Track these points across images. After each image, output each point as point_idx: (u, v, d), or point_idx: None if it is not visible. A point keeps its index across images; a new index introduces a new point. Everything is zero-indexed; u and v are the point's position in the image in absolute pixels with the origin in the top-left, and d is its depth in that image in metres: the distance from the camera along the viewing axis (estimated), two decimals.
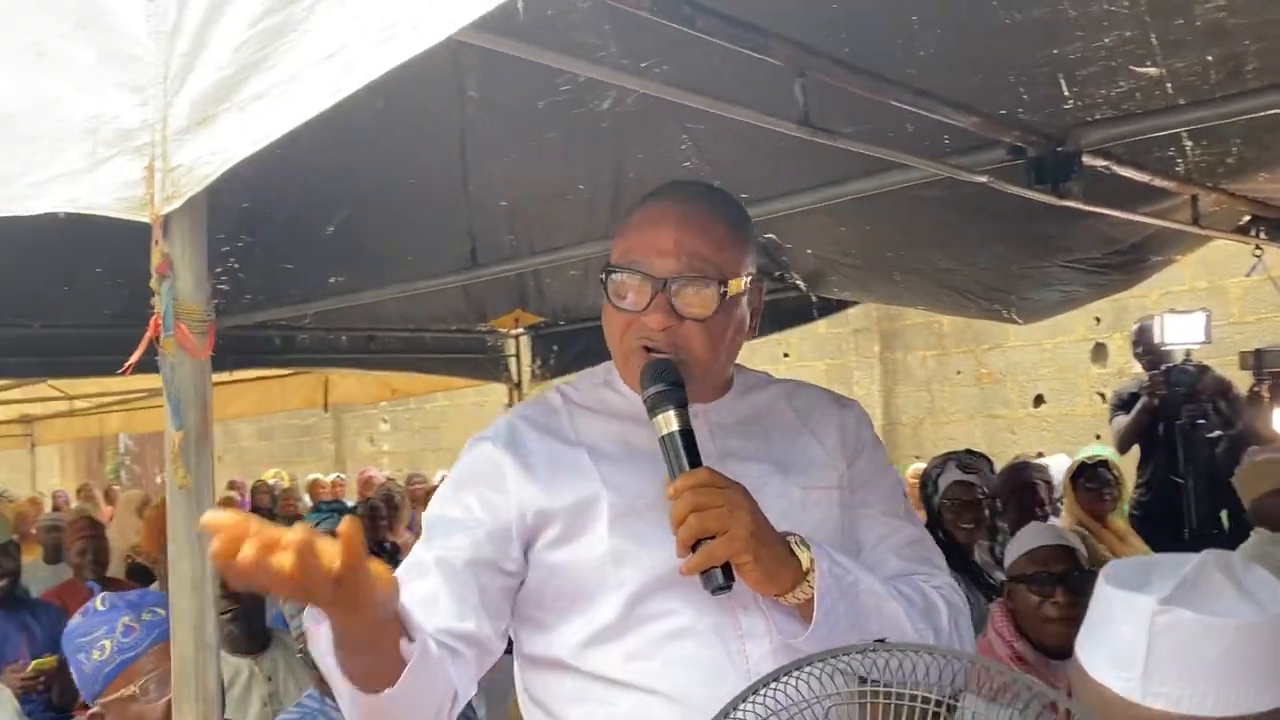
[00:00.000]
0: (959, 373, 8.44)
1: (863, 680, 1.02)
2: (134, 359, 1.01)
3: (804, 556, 1.36)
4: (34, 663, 3.92)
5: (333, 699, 2.40)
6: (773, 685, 1.03)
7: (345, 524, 0.97)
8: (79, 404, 9.00)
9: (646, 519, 1.42)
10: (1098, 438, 7.33)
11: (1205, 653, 0.99)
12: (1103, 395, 7.65)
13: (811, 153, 3.32)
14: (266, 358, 5.55)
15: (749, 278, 1.51)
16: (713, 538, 1.31)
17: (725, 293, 1.45)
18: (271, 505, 8.66)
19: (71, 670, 2.11)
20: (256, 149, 0.92)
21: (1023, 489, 4.21)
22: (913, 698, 0.91)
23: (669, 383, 1.40)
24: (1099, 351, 7.90)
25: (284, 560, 0.92)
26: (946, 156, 2.72)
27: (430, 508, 1.50)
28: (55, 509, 9.32)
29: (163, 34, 0.92)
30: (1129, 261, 4.17)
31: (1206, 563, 1.07)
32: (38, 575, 5.89)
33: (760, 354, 9.79)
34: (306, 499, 9.08)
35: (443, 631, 1.34)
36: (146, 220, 0.97)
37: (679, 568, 1.34)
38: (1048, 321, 6.47)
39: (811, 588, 1.34)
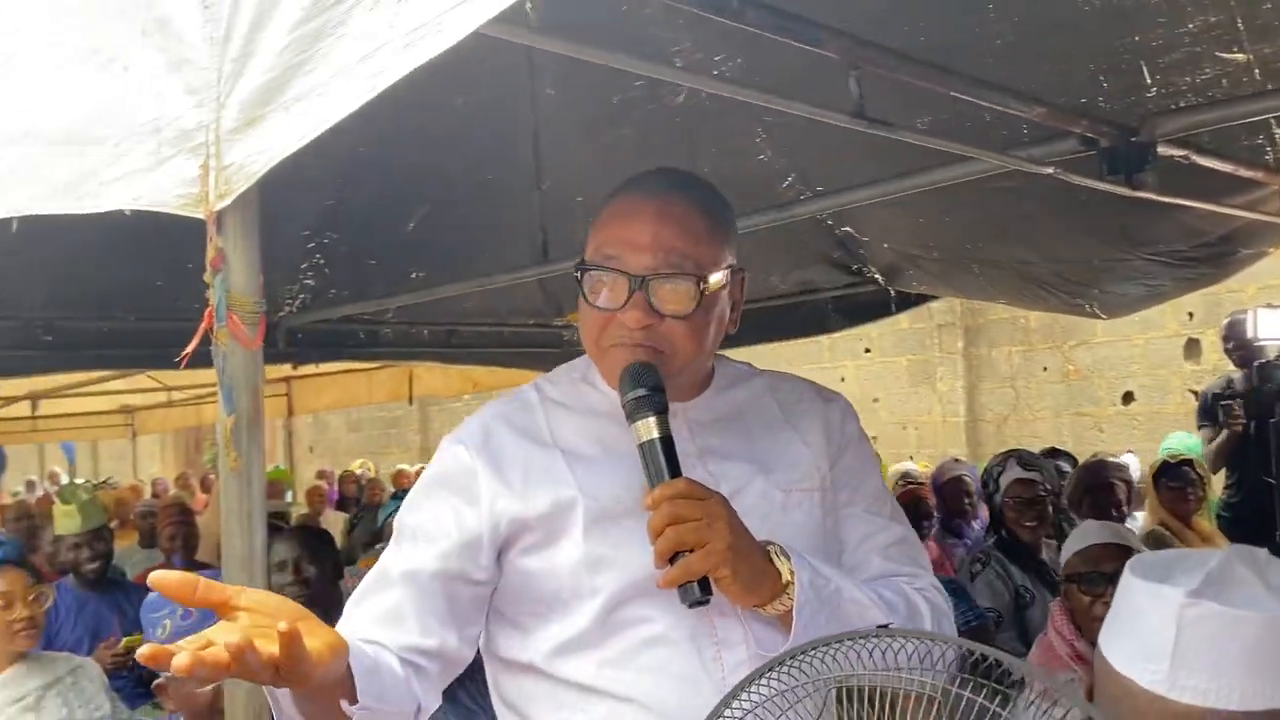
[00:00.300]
0: (1045, 369, 8.26)
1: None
2: (189, 349, 1.06)
3: (784, 568, 1.33)
4: (124, 640, 4.10)
5: None
6: (754, 684, 1.03)
7: (284, 628, 0.95)
8: (176, 395, 9.34)
9: (623, 524, 1.38)
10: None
11: (1233, 646, 0.98)
12: (1195, 393, 7.42)
13: (885, 144, 3.30)
14: (351, 351, 5.68)
15: (728, 270, 1.47)
16: (690, 551, 1.28)
17: (704, 289, 1.41)
18: (358, 494, 8.88)
19: (159, 627, 2.20)
20: (299, 147, 0.96)
21: (1099, 488, 4.11)
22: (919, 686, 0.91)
23: (649, 387, 1.36)
24: (1192, 347, 7.65)
25: (219, 656, 0.91)
26: (1020, 147, 2.68)
27: (401, 513, 1.46)
28: (154, 496, 9.69)
29: (216, 40, 0.97)
30: (1217, 254, 4.04)
31: (1231, 557, 1.05)
32: (133, 559, 6.15)
33: (840, 348, 9.69)
34: (390, 488, 9.29)
35: (406, 649, 1.33)
36: (202, 216, 1.02)
37: (656, 579, 1.31)
38: (1138, 317, 6.30)
39: (791, 599, 1.31)
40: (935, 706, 0.92)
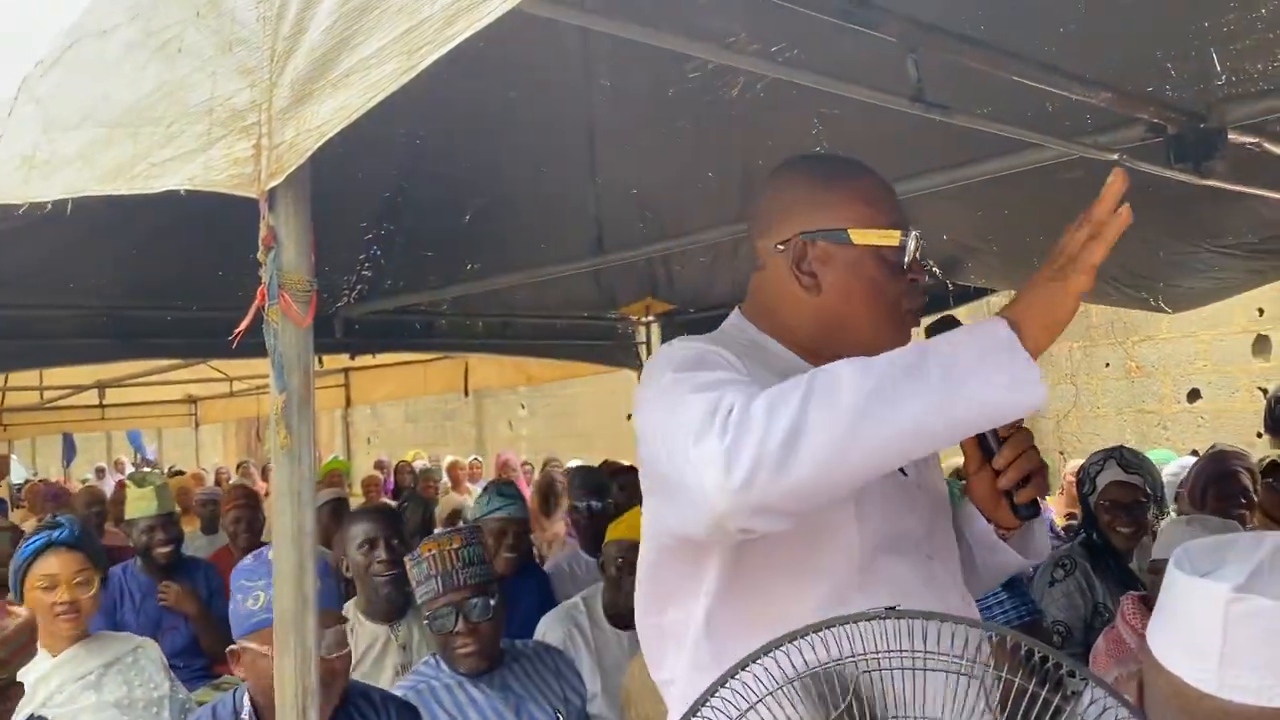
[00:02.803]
0: (1107, 365, 8.09)
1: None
2: (243, 326, 1.07)
3: None
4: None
5: (449, 665, 2.49)
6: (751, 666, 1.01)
7: None
8: (238, 385, 9.50)
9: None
10: (1259, 435, 6.92)
11: None
12: (1264, 390, 7.22)
13: (942, 134, 3.23)
14: (407, 341, 5.73)
15: None
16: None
17: None
18: (413, 484, 8.97)
19: (230, 603, 2.23)
20: (347, 123, 0.96)
21: (1223, 477, 3.92)
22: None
23: None
24: (1261, 344, 7.44)
25: None
26: (1084, 135, 2.62)
27: (682, 375, 1.36)
28: (216, 484, 9.87)
29: (269, 19, 0.98)
30: None
31: (1276, 548, 1.00)
32: (194, 545, 6.27)
33: None
34: (446, 479, 9.37)
35: None
36: (254, 196, 1.02)
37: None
38: (1205, 312, 6.13)
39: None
40: (972, 688, 0.89)
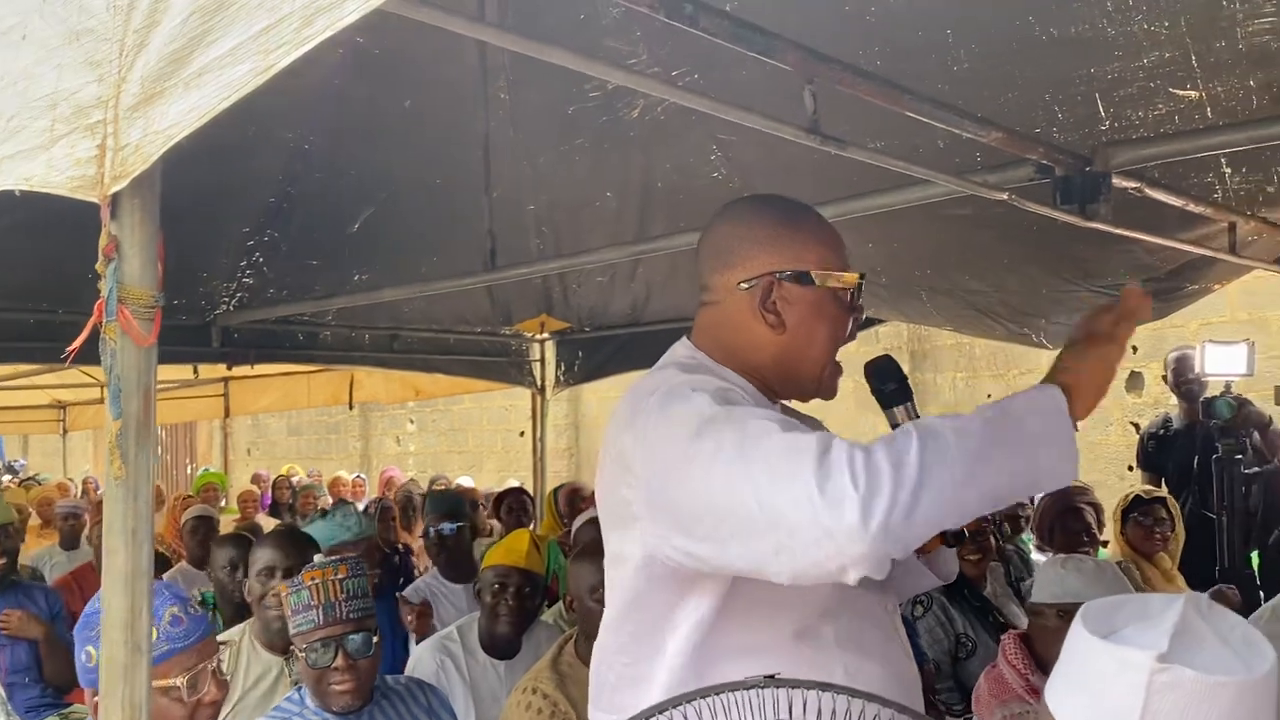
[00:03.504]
0: (989, 396, 8.31)
1: None
2: (76, 344, 0.97)
3: None
4: None
5: (319, 701, 2.37)
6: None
7: None
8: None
9: None
10: (1130, 468, 7.17)
11: (1207, 713, 0.92)
12: (1136, 425, 7.49)
13: (839, 167, 3.27)
14: (289, 353, 5.56)
15: None
16: None
17: None
18: (292, 500, 8.69)
19: (84, 652, 2.04)
20: (197, 126, 0.88)
21: (1068, 514, 4.02)
22: None
23: (901, 379, 1.55)
24: (1135, 380, 7.74)
25: None
26: (973, 173, 2.66)
27: (706, 405, 1.38)
28: (84, 494, 9.41)
29: (120, 8, 0.89)
30: (1165, 290, 4.06)
31: (1187, 611, 0.99)
32: (53, 560, 5.94)
33: None
34: (328, 496, 9.10)
35: None
36: (96, 201, 0.93)
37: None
38: None
39: None
40: None
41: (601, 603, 2.58)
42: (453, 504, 4.21)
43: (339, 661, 2.30)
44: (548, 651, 2.55)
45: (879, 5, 2.33)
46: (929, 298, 4.48)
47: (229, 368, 5.58)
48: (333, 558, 2.54)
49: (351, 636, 2.32)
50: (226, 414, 9.21)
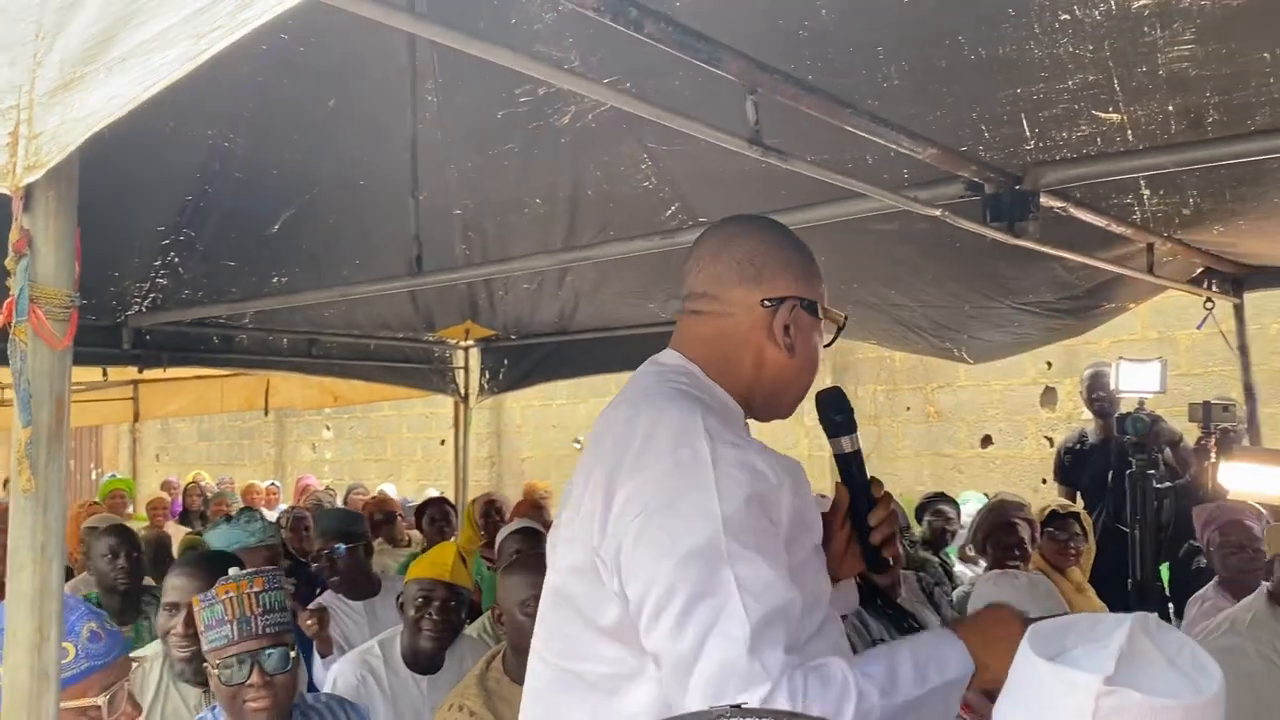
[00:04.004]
0: (908, 409, 8.45)
1: None
2: None
3: None
4: None
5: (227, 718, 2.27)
6: None
7: None
8: (9, 393, 8.74)
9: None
10: (1044, 481, 7.34)
11: None
12: (1050, 439, 7.67)
13: (769, 179, 3.27)
14: (204, 356, 5.39)
15: None
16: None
17: None
18: (203, 508, 8.44)
19: None
20: (121, 115, 0.82)
21: (1002, 528, 4.08)
22: None
23: (848, 411, 1.60)
24: (1048, 395, 7.92)
25: None
26: (903, 190, 2.68)
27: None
28: None
29: None
30: (1083, 307, 4.16)
31: (1134, 631, 0.98)
32: None
33: None
34: (241, 504, 8.86)
35: None
36: (7, 192, 0.87)
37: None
38: (999, 363, 6.47)
39: None
40: None
41: (531, 616, 2.54)
42: (344, 523, 4.06)
43: (254, 678, 2.20)
44: (474, 667, 2.49)
45: (812, 20, 2.33)
46: (854, 311, 4.52)
47: (140, 370, 5.39)
48: (248, 570, 2.43)
49: (268, 652, 2.23)
50: (136, 418, 8.92)
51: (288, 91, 3.28)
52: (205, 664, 2.29)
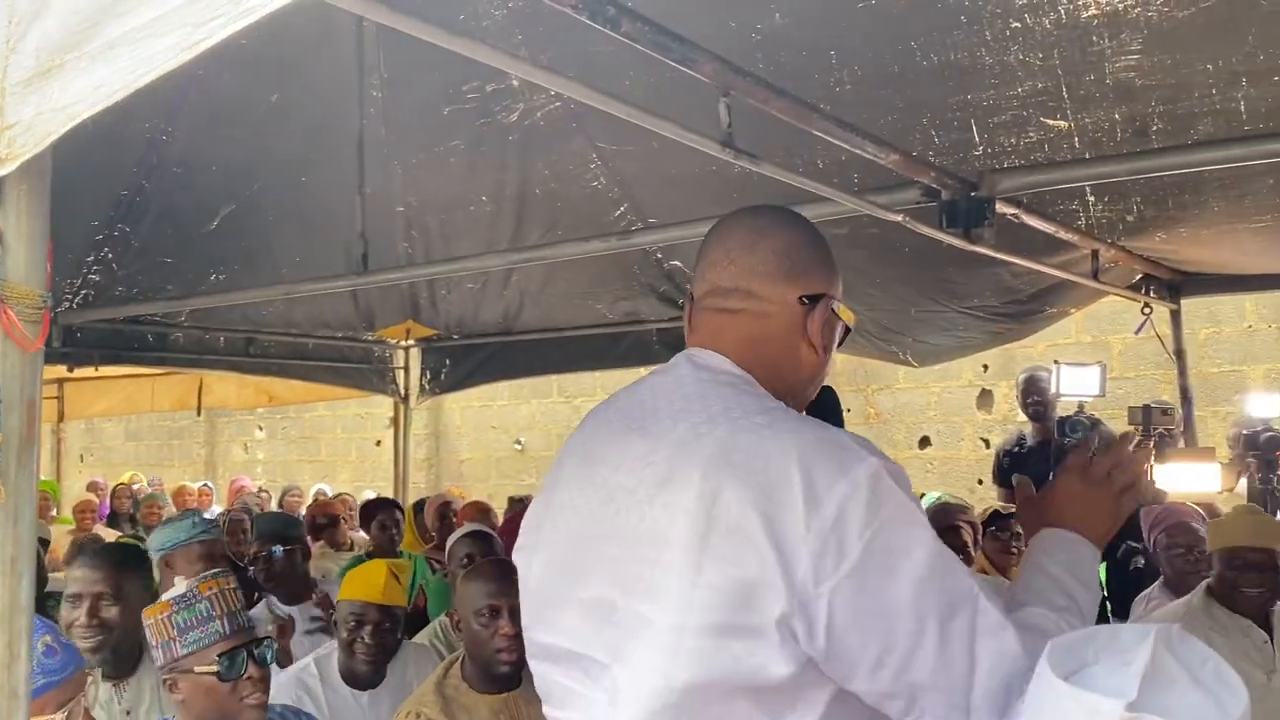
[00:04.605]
0: (849, 410, 8.53)
1: None
2: None
3: None
4: None
5: None
6: None
7: None
8: None
9: None
10: (980, 482, 7.46)
11: None
12: (986, 441, 7.80)
13: (720, 181, 3.28)
14: (137, 355, 5.25)
15: None
16: None
17: None
18: (133, 510, 8.21)
19: None
20: (104, 105, 0.78)
21: (946, 531, 4.11)
22: None
23: (838, 410, 1.61)
24: (985, 398, 8.05)
25: None
26: (859, 195, 2.69)
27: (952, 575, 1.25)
28: None
29: None
30: (1026, 312, 4.23)
31: (1158, 649, 0.95)
32: None
33: None
34: (172, 506, 8.64)
35: None
36: None
37: None
38: (938, 367, 6.56)
39: None
40: None
41: (487, 625, 2.49)
42: (282, 525, 3.98)
43: (252, 671, 2.14)
44: (431, 674, 2.44)
45: (765, 23, 2.32)
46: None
47: (70, 369, 5.23)
48: (216, 569, 2.37)
49: (262, 644, 2.18)
50: (60, 418, 8.66)
51: (229, 85, 3.20)
52: (172, 673, 2.19)
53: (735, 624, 1.17)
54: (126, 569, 2.88)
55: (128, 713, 2.81)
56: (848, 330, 1.49)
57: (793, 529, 1.17)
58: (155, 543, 3.38)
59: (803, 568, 1.16)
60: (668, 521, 1.23)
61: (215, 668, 2.12)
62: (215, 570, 2.30)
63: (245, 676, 2.13)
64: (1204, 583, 3.17)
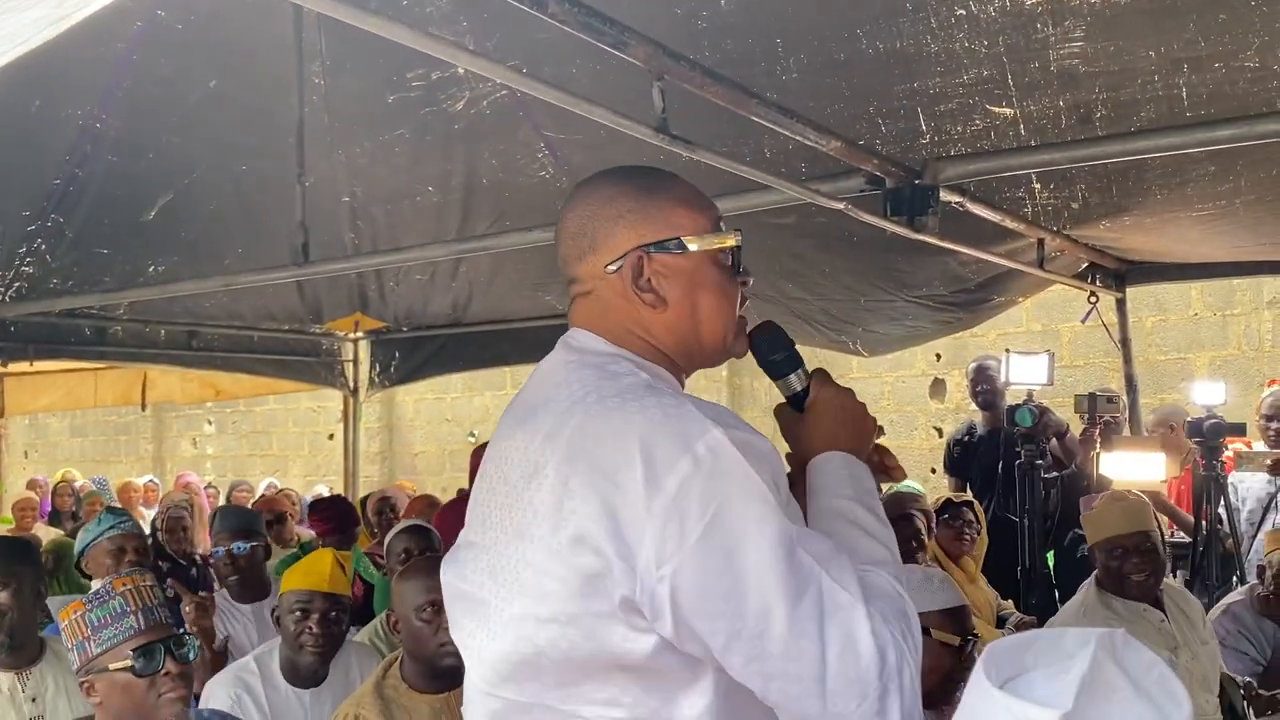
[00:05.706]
0: None
1: None
2: None
3: None
4: None
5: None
6: None
7: None
8: None
9: None
10: (933, 471, 7.50)
11: None
12: (939, 430, 7.85)
13: (669, 169, 3.24)
14: (75, 349, 5.12)
15: None
16: None
17: None
18: (75, 508, 8.04)
19: None
20: None
21: (899, 520, 4.11)
22: None
23: (789, 346, 1.48)
24: (937, 387, 8.11)
25: None
26: (803, 183, 2.66)
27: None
28: None
29: None
30: (974, 301, 4.24)
31: (1099, 656, 0.90)
32: None
33: None
34: (116, 503, 8.48)
35: None
36: None
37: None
38: (890, 356, 6.59)
39: None
40: None
41: (429, 621, 2.44)
42: (245, 520, 3.90)
43: (170, 666, 2.07)
44: (370, 675, 2.38)
45: (711, 10, 2.29)
46: (751, 304, 4.52)
47: (5, 364, 5.10)
48: (133, 567, 2.32)
49: (180, 639, 2.12)
50: (1, 414, 8.45)
51: (164, 70, 3.11)
52: (88, 675, 2.13)
53: (587, 612, 1.19)
54: (14, 558, 2.87)
55: (34, 699, 2.77)
56: (737, 250, 1.41)
57: (635, 511, 1.17)
58: (77, 549, 3.34)
59: (645, 550, 1.16)
60: (531, 516, 1.24)
61: (130, 663, 2.06)
62: (131, 568, 2.25)
63: (163, 672, 2.07)
64: (1091, 577, 3.17)
